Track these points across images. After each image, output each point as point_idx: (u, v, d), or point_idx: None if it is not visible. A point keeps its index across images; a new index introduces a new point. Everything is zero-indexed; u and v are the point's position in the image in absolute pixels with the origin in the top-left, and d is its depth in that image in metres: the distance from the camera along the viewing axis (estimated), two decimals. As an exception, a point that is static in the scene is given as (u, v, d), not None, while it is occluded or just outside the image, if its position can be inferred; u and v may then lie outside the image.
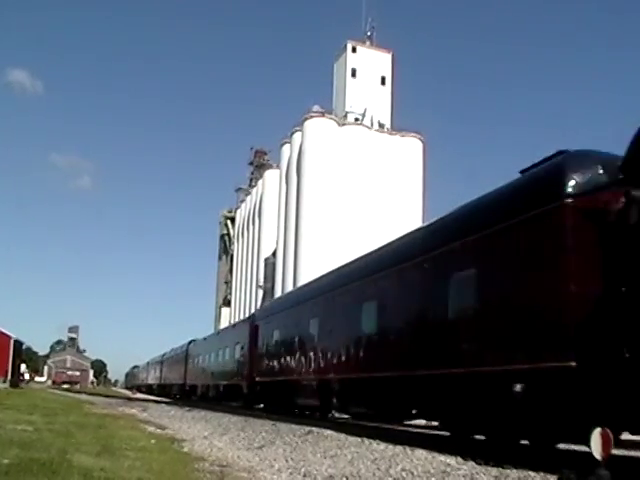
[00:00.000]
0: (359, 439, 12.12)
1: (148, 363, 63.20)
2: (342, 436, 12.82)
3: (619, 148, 8.45)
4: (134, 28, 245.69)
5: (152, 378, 63.22)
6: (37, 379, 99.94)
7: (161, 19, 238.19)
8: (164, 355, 58.23)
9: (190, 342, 44.95)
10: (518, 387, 9.52)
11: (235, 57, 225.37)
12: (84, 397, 45.04)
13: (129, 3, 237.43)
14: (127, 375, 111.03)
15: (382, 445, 11.16)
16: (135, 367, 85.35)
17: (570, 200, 8.69)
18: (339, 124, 60.05)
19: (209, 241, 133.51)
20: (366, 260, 16.73)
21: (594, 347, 8.07)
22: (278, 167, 68.42)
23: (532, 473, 7.76)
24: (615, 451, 8.31)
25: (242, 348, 27.81)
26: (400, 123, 64.12)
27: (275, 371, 22.36)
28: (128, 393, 68.83)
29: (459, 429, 11.96)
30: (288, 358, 20.82)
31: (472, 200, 12.01)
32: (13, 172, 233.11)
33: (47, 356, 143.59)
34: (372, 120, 62.26)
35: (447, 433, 12.71)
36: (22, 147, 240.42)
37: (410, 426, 16.67)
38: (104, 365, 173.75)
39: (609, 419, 7.60)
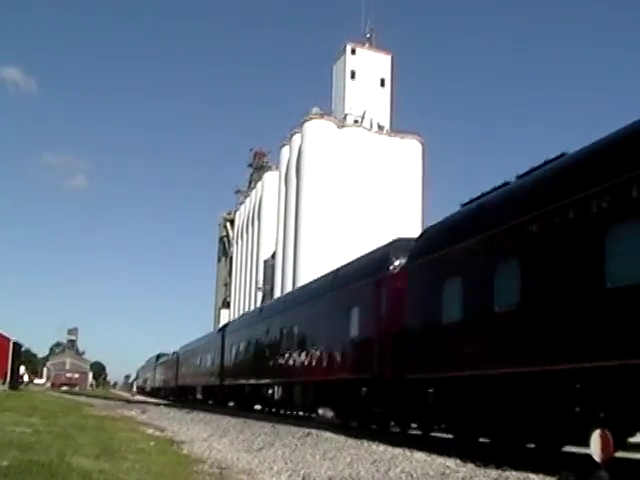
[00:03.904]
0: (358, 441, 12.11)
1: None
2: (341, 438, 12.80)
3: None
4: (132, 27, 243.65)
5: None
6: (36, 381, 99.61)
7: (159, 18, 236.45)
8: (158, 359, 62.00)
9: (177, 351, 49.54)
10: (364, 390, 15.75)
11: (234, 58, 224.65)
12: (83, 399, 45.03)
13: (127, 2, 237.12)
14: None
15: (381, 447, 11.14)
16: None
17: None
18: (338, 126, 60.06)
19: (208, 243, 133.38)
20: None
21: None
22: (277, 169, 68.36)
23: (532, 475, 7.74)
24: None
25: (215, 356, 34.33)
26: (399, 125, 64.19)
27: (234, 375, 30.01)
28: (128, 395, 68.38)
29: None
30: (239, 367, 29.00)
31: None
32: (7, 172, 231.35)
33: (46, 358, 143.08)
34: (371, 122, 62.24)
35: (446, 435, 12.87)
36: (15, 146, 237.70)
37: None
38: (103, 367, 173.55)
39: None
